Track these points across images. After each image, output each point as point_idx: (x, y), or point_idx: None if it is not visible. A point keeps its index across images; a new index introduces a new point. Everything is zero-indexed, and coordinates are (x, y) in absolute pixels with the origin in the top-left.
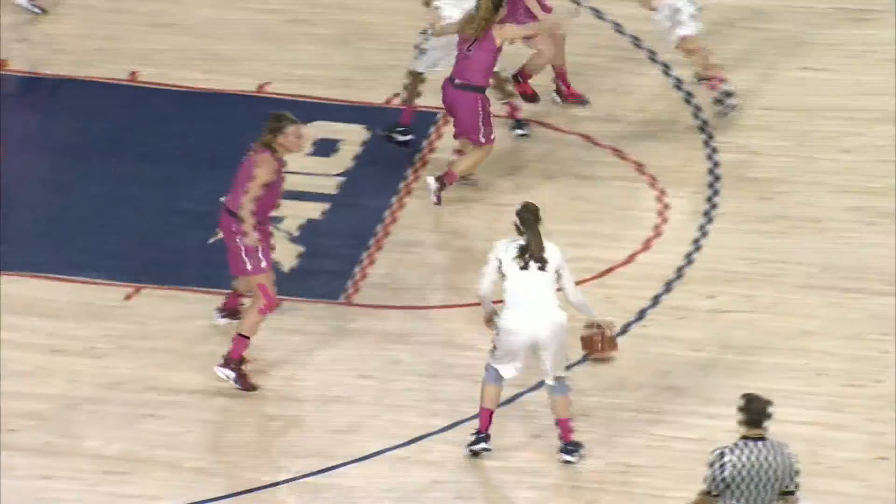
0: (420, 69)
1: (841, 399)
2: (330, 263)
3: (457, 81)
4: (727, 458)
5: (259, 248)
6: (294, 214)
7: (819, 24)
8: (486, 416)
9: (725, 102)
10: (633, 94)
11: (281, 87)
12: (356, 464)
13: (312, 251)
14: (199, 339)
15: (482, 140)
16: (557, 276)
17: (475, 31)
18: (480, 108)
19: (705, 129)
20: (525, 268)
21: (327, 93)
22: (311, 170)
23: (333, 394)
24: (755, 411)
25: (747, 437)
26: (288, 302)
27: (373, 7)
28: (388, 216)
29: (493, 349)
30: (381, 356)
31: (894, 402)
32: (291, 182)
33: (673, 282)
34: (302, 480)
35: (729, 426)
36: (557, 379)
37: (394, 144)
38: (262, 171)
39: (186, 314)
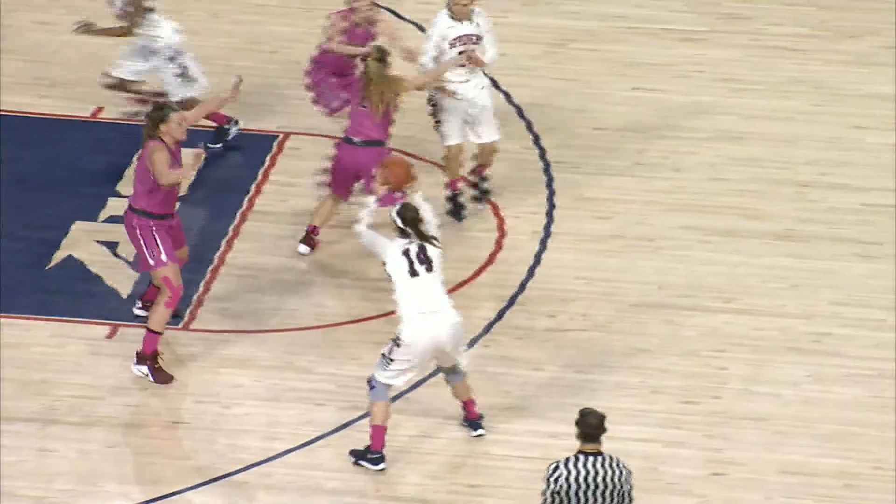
0: (120, 76)
1: (677, 416)
2: None
3: (358, 140)
4: (559, 471)
5: (159, 243)
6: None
7: (650, 44)
8: (380, 434)
9: (462, 207)
10: None
11: (114, 112)
12: (197, 489)
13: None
14: (35, 367)
15: None
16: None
17: (389, 95)
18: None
19: (542, 150)
20: (413, 273)
21: None
22: None
23: (172, 419)
24: (589, 425)
25: (581, 452)
26: (125, 327)
27: (204, 31)
28: (227, 239)
29: (387, 362)
30: (220, 381)
31: (730, 418)
32: None
33: (511, 302)
34: None
35: (568, 445)
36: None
37: (232, 164)
38: (157, 156)
39: (22, 341)
